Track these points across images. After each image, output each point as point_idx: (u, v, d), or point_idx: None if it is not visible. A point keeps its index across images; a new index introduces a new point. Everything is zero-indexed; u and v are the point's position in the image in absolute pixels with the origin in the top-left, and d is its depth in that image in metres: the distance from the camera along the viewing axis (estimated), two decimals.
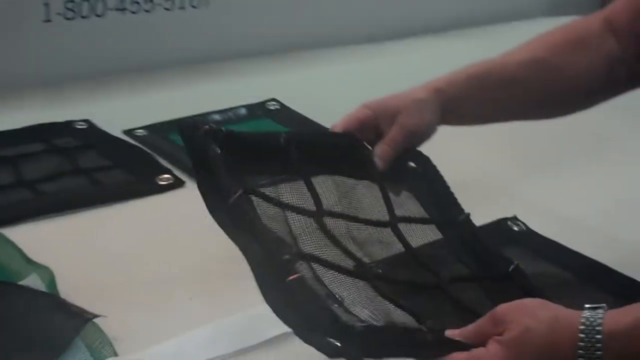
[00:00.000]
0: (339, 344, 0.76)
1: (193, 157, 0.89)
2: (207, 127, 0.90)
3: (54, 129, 1.48)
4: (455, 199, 1.04)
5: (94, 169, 1.37)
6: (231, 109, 1.57)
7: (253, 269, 0.81)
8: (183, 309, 1.06)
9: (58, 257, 1.12)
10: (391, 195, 1.00)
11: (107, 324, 0.99)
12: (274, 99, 1.60)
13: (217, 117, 1.54)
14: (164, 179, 1.34)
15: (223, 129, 0.91)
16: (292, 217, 0.90)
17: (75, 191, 1.32)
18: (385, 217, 0.98)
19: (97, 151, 1.43)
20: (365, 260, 0.92)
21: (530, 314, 0.84)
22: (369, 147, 1.02)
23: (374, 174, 1.00)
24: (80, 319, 0.98)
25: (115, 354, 0.96)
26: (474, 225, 1.03)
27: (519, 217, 1.24)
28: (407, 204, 1.03)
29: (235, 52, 1.73)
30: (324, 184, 0.96)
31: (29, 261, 1.11)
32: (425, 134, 1.07)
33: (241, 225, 0.84)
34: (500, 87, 1.09)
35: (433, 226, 1.01)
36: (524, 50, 1.12)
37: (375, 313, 0.85)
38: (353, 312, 0.83)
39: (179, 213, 1.27)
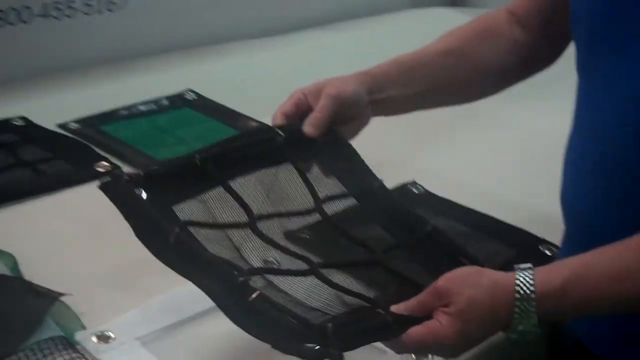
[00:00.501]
0: (317, 347, 0.72)
1: (123, 210, 0.82)
2: (126, 177, 0.83)
3: None
4: (368, 168, 1.00)
5: (36, 161, 1.30)
6: (154, 100, 1.52)
7: (214, 300, 0.76)
8: (144, 282, 1.01)
9: (15, 244, 1.06)
10: (309, 176, 0.95)
11: (73, 302, 0.95)
12: (190, 90, 1.55)
13: (142, 107, 1.49)
14: (102, 166, 1.29)
15: (141, 172, 0.85)
16: (231, 233, 0.85)
17: (22, 182, 1.25)
18: (311, 202, 0.93)
19: (36, 145, 1.35)
20: (306, 254, 0.87)
21: (470, 283, 0.82)
22: (280, 132, 0.96)
23: (290, 156, 0.95)
24: (48, 298, 0.94)
25: (84, 328, 0.92)
26: (389, 191, 0.99)
27: (418, 182, 1.24)
28: (325, 181, 0.98)
29: (152, 49, 1.68)
30: (247, 185, 0.91)
31: None
32: (353, 102, 1.01)
33: (189, 261, 0.78)
34: (419, 72, 1.06)
35: (353, 199, 0.97)
36: (438, 43, 1.09)
37: (333, 306, 0.81)
38: (317, 309, 0.80)
39: None
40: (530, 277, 0.80)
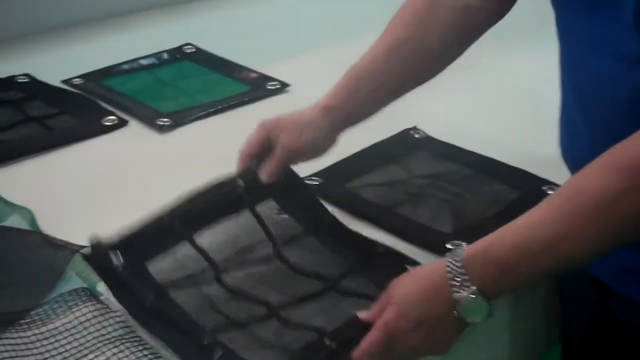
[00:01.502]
0: None
1: (105, 280, 0.87)
2: (103, 249, 0.87)
3: None
4: (320, 204, 1.02)
5: (43, 117, 1.27)
6: (154, 54, 1.47)
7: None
8: None
9: (30, 199, 1.04)
10: (267, 220, 0.98)
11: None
12: (189, 43, 1.51)
13: (143, 62, 1.45)
14: (109, 120, 1.26)
15: (117, 239, 0.88)
16: (204, 287, 0.89)
17: (31, 137, 1.22)
18: (270, 248, 0.96)
19: (42, 101, 1.32)
20: (268, 298, 0.90)
21: (408, 274, 0.85)
22: (240, 181, 0.98)
23: (249, 202, 0.98)
24: (68, 251, 0.92)
25: None
26: (340, 223, 1.00)
27: (419, 127, 1.22)
28: (281, 220, 1.00)
29: (151, 4, 1.64)
30: (213, 236, 0.95)
31: (7, 203, 1.02)
32: (309, 150, 1.00)
33: (166, 322, 0.83)
34: (376, 82, 1.01)
35: (311, 237, 0.99)
36: (388, 35, 1.03)
37: (285, 346, 0.84)
38: (271, 356, 0.83)
39: (127, 148, 1.21)
40: (460, 247, 0.82)
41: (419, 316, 0.80)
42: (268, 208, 1.01)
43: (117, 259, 0.86)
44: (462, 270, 0.79)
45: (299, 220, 1.00)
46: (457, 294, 0.79)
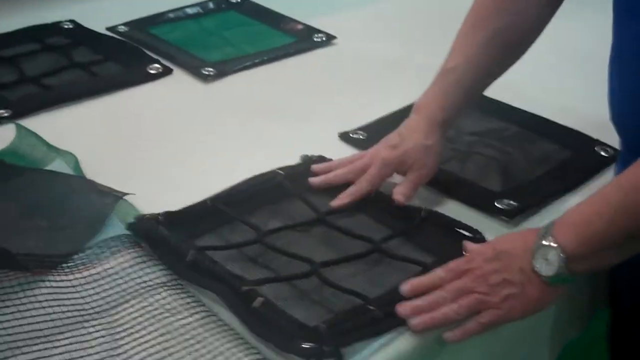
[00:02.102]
0: (313, 345, 0.75)
1: (149, 242, 0.86)
2: (147, 215, 0.88)
3: (45, 30, 1.34)
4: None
5: (88, 63, 1.24)
6: (199, 3, 1.45)
7: (227, 306, 0.80)
8: (206, 179, 0.98)
9: (74, 145, 1.02)
10: (312, 201, 0.96)
11: (136, 200, 0.91)
12: None
13: (188, 10, 1.42)
14: (154, 68, 1.24)
15: (160, 213, 0.89)
16: (244, 250, 0.88)
17: (76, 83, 1.19)
18: (314, 215, 0.94)
19: (87, 47, 1.30)
20: (310, 256, 0.87)
21: (494, 240, 0.85)
22: (281, 171, 0.98)
23: (291, 189, 0.97)
24: (113, 197, 0.90)
25: None
26: (382, 193, 0.97)
27: None
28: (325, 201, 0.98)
29: None
30: (253, 215, 0.93)
31: (51, 147, 1.00)
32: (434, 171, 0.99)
33: (205, 275, 0.82)
34: (477, 83, 0.99)
35: (354, 210, 0.96)
36: (477, 28, 0.98)
37: (328, 306, 0.82)
38: (312, 312, 0.80)
39: (171, 97, 1.19)
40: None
41: (504, 247, 0.81)
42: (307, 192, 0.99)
43: (161, 230, 0.86)
44: (552, 228, 0.80)
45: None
46: (537, 243, 0.79)
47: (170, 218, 0.89)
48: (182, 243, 0.85)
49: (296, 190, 0.97)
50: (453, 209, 0.96)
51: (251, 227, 0.91)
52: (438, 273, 0.82)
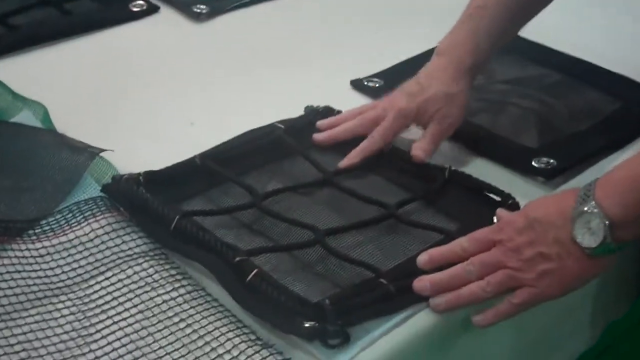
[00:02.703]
0: (316, 324, 0.74)
1: (128, 206, 0.85)
2: (125, 176, 0.87)
3: None
4: None
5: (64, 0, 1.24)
6: None
7: (218, 280, 0.79)
8: (190, 133, 0.99)
9: (44, 93, 1.01)
10: (313, 156, 0.95)
11: (115, 158, 0.90)
12: None
13: None
14: (137, 5, 1.24)
15: (140, 173, 0.88)
16: (237, 215, 0.87)
17: (47, 22, 1.19)
18: (319, 174, 0.93)
19: None
20: (316, 222, 0.86)
21: (527, 207, 0.82)
22: (280, 125, 0.97)
23: (293, 145, 0.96)
24: (87, 154, 0.90)
25: None
26: (398, 149, 0.96)
27: None
28: (330, 157, 0.97)
29: None
30: (249, 176, 0.92)
31: (17, 97, 1.00)
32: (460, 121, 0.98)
33: (192, 244, 0.81)
34: (514, 21, 0.98)
35: (365, 169, 0.96)
36: None
37: (333, 279, 0.81)
38: (315, 286, 0.80)
39: (157, 38, 1.19)
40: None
41: (539, 216, 0.79)
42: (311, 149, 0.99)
43: (141, 192, 0.85)
44: (592, 187, 0.78)
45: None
46: (577, 209, 0.78)
47: (153, 178, 0.88)
48: (165, 207, 0.84)
49: (298, 147, 0.97)
50: (482, 169, 0.95)
51: (246, 189, 0.90)
52: (461, 243, 0.81)
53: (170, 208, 0.84)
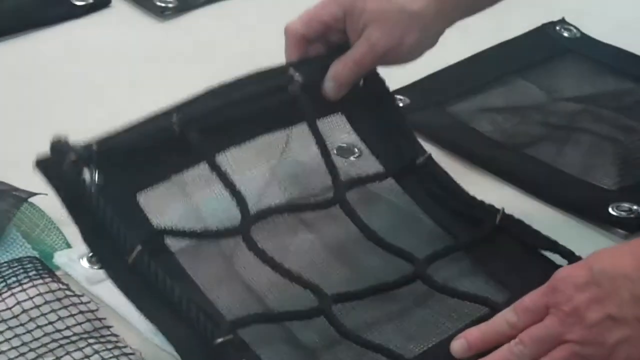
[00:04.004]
0: None
1: (67, 204, 0.81)
2: (72, 157, 0.81)
3: None
4: (412, 134, 0.99)
5: None
6: None
7: (180, 353, 0.78)
8: None
9: None
10: (331, 142, 0.95)
11: (50, 204, 0.88)
12: None
13: None
14: None
15: (93, 145, 0.83)
16: (224, 244, 0.87)
17: None
18: (330, 188, 0.92)
19: None
20: (318, 280, 0.86)
21: (590, 257, 0.80)
22: (295, 74, 0.94)
23: (307, 110, 0.94)
24: (12, 199, 0.90)
25: (68, 245, 0.89)
26: (440, 169, 0.97)
27: (569, 21, 1.21)
28: (352, 149, 0.99)
29: None
30: (243, 158, 0.91)
31: None
32: (406, 55, 0.96)
33: (151, 293, 0.79)
34: None
35: (390, 180, 0.96)
36: None
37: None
38: None
39: (109, 41, 1.21)
40: None
41: (608, 270, 0.78)
42: (334, 127, 0.97)
43: (90, 176, 0.82)
44: None
45: (379, 155, 0.97)
46: None
47: (110, 153, 0.84)
48: (123, 223, 0.80)
49: (314, 119, 0.94)
50: (542, 218, 0.95)
51: (234, 196, 0.87)
52: (506, 316, 0.81)
53: (130, 223, 0.81)
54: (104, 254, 0.81)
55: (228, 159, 0.89)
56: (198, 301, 0.80)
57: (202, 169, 0.87)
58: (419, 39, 0.95)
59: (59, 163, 0.81)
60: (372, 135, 0.98)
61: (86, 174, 0.81)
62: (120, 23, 1.23)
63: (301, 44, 0.94)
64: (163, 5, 1.24)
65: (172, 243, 0.84)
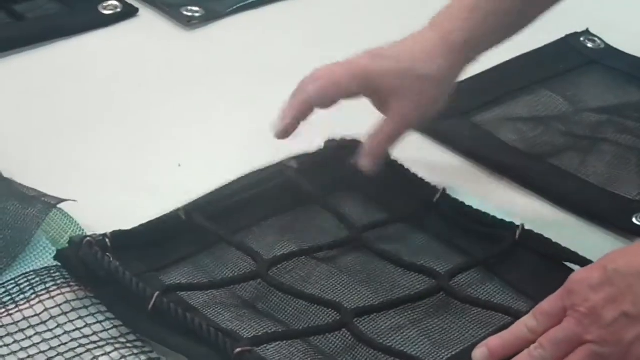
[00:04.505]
0: None
1: (90, 279, 0.85)
2: (87, 238, 0.87)
3: None
4: (422, 181, 1.00)
5: (15, 1, 1.27)
6: None
7: None
8: (171, 177, 1.00)
9: None
10: (341, 208, 0.97)
11: (78, 210, 0.91)
12: None
13: None
14: (110, 6, 1.26)
15: (107, 234, 0.88)
16: (236, 289, 0.88)
17: None
18: (344, 232, 0.94)
19: None
20: (339, 298, 0.88)
21: (604, 258, 0.80)
22: (292, 164, 0.98)
23: (310, 194, 0.97)
24: (41, 205, 0.90)
25: None
26: (455, 200, 0.98)
27: (594, 32, 1.21)
28: (360, 210, 0.99)
29: None
30: (250, 234, 0.94)
31: None
32: (432, 113, 0.98)
33: (176, 329, 0.82)
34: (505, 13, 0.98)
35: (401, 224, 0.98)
36: None
37: None
38: None
39: (136, 50, 1.21)
40: None
41: (622, 269, 0.78)
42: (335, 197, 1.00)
43: (108, 260, 0.86)
44: None
45: (388, 206, 0.99)
46: None
47: (123, 240, 0.89)
48: (141, 280, 0.85)
49: (316, 193, 0.97)
50: (565, 228, 0.96)
51: (247, 254, 0.91)
52: (526, 321, 0.81)
53: (146, 281, 0.85)
54: (125, 311, 0.84)
55: (236, 238, 0.92)
56: (217, 326, 0.82)
57: (215, 248, 0.91)
58: (442, 96, 0.97)
59: (76, 249, 0.86)
60: (382, 195, 0.99)
61: (101, 256, 0.85)
62: (147, 32, 1.23)
63: (307, 108, 0.95)
64: (190, 14, 1.24)
65: (188, 297, 0.86)
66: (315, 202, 0.97)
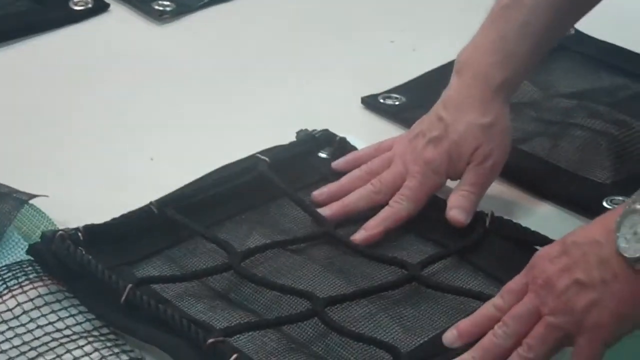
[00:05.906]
0: None
1: (62, 273, 0.86)
2: (59, 232, 0.88)
3: None
4: None
5: None
6: None
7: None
8: (145, 172, 1.00)
9: None
10: (308, 201, 0.98)
11: (50, 205, 0.91)
12: None
13: None
14: (81, 2, 1.26)
15: (80, 228, 0.89)
16: (209, 281, 0.88)
17: None
18: (316, 226, 0.95)
19: None
20: (311, 288, 0.88)
21: (566, 234, 0.81)
22: (264, 157, 0.98)
23: (285, 189, 0.97)
24: (13, 200, 0.90)
25: None
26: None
27: None
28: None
29: None
30: (223, 227, 0.94)
31: None
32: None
33: (150, 321, 0.82)
34: (558, 21, 0.98)
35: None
36: None
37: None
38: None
39: (107, 45, 1.21)
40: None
41: (567, 247, 0.79)
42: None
43: (80, 254, 0.86)
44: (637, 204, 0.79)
45: None
46: (625, 211, 0.78)
47: (96, 234, 0.89)
48: (113, 273, 0.85)
49: (288, 187, 0.98)
50: (536, 213, 0.96)
51: (220, 246, 0.91)
52: (494, 301, 0.82)
53: (119, 274, 0.85)
54: (98, 304, 0.84)
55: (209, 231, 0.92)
56: (190, 317, 0.82)
57: (188, 242, 0.92)
58: (503, 138, 0.96)
59: (49, 243, 0.86)
60: None
61: (73, 249, 0.85)
62: (118, 27, 1.23)
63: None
64: (161, 9, 1.24)
65: (161, 289, 0.86)
66: (286, 195, 0.97)
